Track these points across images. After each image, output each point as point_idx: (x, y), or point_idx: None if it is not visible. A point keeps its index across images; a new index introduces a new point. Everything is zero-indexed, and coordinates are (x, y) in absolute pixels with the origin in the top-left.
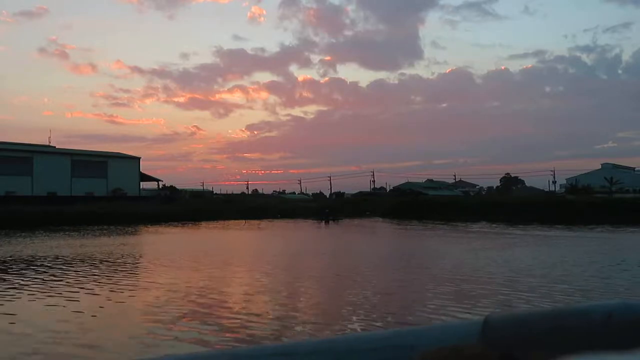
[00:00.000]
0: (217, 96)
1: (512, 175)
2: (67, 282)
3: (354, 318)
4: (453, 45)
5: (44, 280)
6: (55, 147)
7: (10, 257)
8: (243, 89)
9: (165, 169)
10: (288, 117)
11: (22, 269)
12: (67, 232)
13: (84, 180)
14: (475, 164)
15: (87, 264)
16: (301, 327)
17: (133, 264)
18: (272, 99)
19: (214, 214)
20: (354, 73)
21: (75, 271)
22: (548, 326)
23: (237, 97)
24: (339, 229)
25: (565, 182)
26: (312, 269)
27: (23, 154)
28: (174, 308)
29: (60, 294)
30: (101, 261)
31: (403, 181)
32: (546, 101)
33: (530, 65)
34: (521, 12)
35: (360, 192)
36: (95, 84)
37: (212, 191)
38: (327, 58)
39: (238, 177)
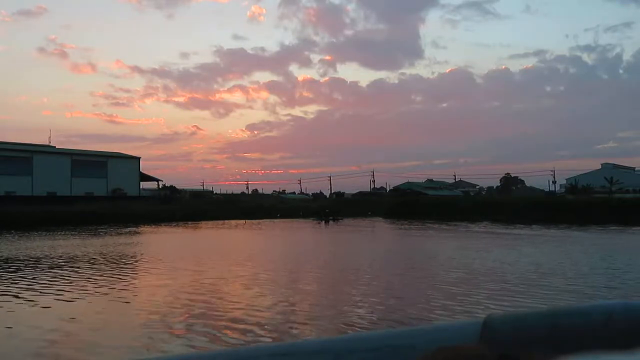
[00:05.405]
0: (217, 96)
1: (512, 175)
2: (67, 282)
3: (354, 318)
4: (453, 45)
5: (43, 280)
6: (55, 147)
7: (10, 257)
8: (243, 88)
9: (165, 169)
10: (288, 117)
11: (21, 269)
12: (66, 232)
13: (84, 180)
14: (475, 164)
15: (86, 264)
16: (301, 327)
17: (132, 264)
18: (272, 98)
19: (214, 213)
20: (354, 73)
21: (74, 271)
22: (548, 326)
23: (237, 97)
24: (339, 229)
25: (565, 182)
26: (312, 270)
27: (23, 154)
28: (174, 308)
29: (60, 294)
30: (100, 261)
31: (403, 181)
32: (547, 101)
33: (531, 65)
34: (522, 11)
35: (360, 192)
36: (95, 84)
37: (212, 191)
38: (327, 57)
39: (238, 177)
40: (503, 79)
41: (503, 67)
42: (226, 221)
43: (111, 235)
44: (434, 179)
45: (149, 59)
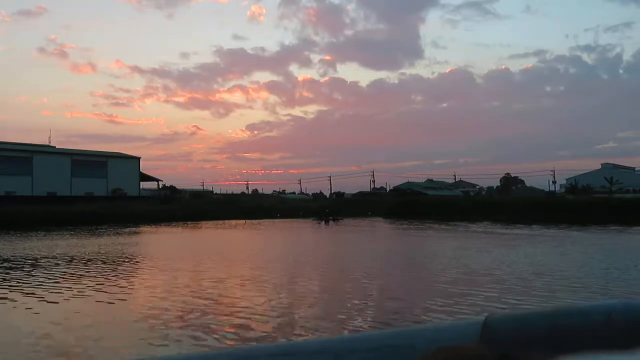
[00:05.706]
0: (217, 96)
1: (512, 175)
2: (65, 282)
3: (353, 318)
4: (453, 45)
5: (42, 280)
6: (55, 147)
7: (9, 257)
8: (243, 88)
9: (165, 169)
10: (288, 117)
11: (19, 269)
12: (66, 232)
13: (84, 180)
14: (475, 164)
15: (85, 264)
16: (301, 328)
17: (132, 264)
18: (272, 98)
19: (214, 213)
20: (354, 73)
21: (73, 271)
22: (548, 326)
23: (237, 97)
24: (339, 229)
25: (565, 182)
26: (312, 270)
27: (23, 154)
28: (173, 308)
29: (58, 293)
30: (100, 261)
31: (403, 181)
32: (547, 101)
33: (531, 65)
34: (522, 11)
35: (360, 192)
36: (95, 84)
37: (212, 191)
38: (327, 57)
39: (238, 177)
40: (503, 79)
41: (503, 67)
42: (226, 221)
43: (110, 235)
44: (434, 179)
45: (149, 59)
